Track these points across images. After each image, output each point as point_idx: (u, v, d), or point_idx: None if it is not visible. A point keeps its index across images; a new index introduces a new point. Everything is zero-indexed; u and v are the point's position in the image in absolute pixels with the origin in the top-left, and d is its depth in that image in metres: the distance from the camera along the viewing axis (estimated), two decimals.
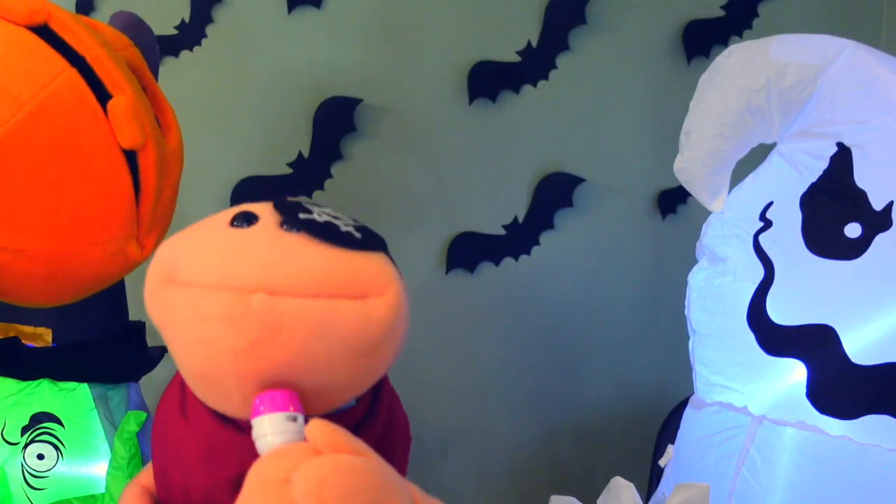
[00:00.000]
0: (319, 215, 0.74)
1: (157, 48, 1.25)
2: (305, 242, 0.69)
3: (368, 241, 0.73)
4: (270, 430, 0.66)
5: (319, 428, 0.63)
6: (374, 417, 0.79)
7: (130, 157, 0.97)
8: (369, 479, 0.62)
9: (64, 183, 0.92)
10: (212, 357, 0.68)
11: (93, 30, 1.00)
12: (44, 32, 0.93)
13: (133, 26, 1.15)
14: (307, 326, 0.67)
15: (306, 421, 0.65)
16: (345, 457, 0.62)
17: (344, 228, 0.73)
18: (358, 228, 0.74)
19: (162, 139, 1.03)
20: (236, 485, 0.68)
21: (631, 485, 1.16)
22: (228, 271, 0.68)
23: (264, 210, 0.73)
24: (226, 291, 0.67)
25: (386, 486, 0.63)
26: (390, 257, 0.75)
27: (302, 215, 0.72)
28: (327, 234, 0.71)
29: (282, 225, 0.71)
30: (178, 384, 0.82)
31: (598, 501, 1.19)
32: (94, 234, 0.98)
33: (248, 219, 0.71)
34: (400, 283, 0.72)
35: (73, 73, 0.92)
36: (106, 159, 0.95)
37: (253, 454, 0.67)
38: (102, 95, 0.94)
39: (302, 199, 0.78)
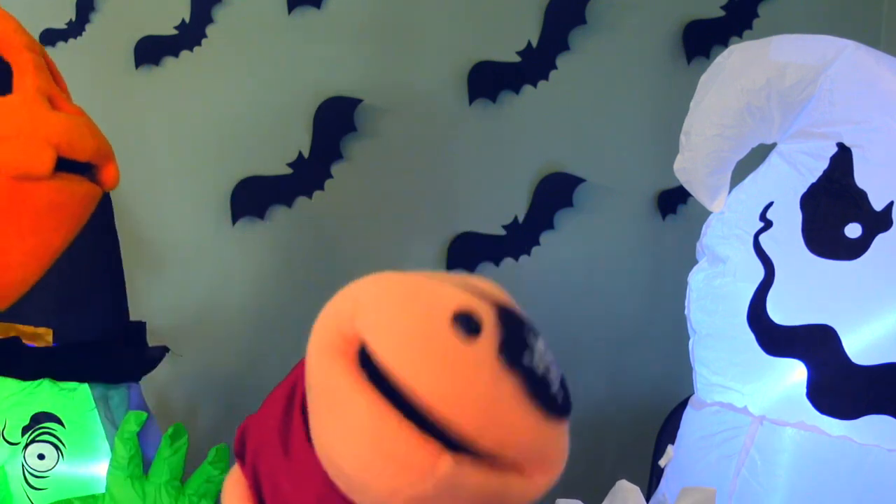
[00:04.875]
0: (539, 361, 0.65)
1: None
2: (519, 397, 0.62)
3: (565, 407, 0.66)
4: None
5: None
6: None
7: None
8: None
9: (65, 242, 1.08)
10: (370, 484, 0.63)
11: (79, 125, 1.06)
12: (61, 162, 1.01)
13: None
14: (475, 498, 0.63)
15: None
16: None
17: (553, 389, 0.65)
18: (562, 383, 0.67)
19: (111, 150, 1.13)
20: None
21: (636, 488, 1.16)
22: (445, 404, 0.61)
23: (486, 316, 0.64)
24: (416, 442, 0.61)
25: None
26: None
27: (525, 357, 0.64)
28: (540, 394, 0.63)
29: (502, 353, 0.62)
30: (279, 410, 0.74)
31: None
32: None
33: (471, 327, 0.62)
34: (565, 458, 0.68)
35: (93, 189, 1.05)
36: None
37: None
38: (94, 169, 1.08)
39: (516, 307, 0.70)
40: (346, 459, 0.64)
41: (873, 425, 1.19)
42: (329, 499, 0.68)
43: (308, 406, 0.68)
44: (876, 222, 1.19)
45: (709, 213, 1.37)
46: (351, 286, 0.67)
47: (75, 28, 1.85)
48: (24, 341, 1.25)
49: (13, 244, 0.97)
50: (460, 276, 0.70)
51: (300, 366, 0.72)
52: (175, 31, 1.89)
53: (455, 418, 0.61)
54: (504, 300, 0.68)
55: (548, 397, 0.64)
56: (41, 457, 1.23)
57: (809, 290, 1.23)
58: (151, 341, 1.43)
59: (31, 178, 0.95)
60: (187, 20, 1.89)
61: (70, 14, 1.85)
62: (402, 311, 0.63)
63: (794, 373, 1.23)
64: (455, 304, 0.63)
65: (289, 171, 1.94)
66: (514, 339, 0.64)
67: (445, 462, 0.61)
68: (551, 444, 0.66)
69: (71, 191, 1.01)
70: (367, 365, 0.63)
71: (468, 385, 0.61)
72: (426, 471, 0.61)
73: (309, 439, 0.69)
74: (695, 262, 1.41)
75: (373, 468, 0.62)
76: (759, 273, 1.26)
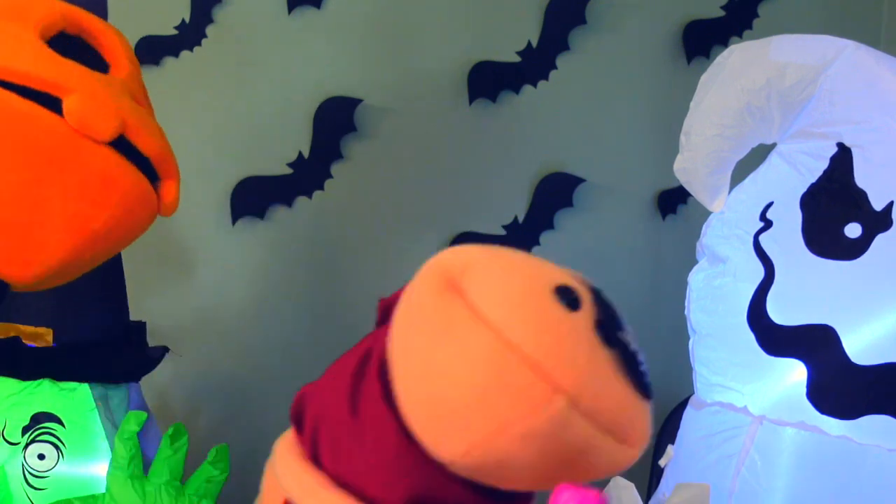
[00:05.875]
0: (631, 339, 0.69)
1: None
2: (613, 368, 0.65)
3: (650, 389, 0.70)
4: None
5: None
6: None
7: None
8: None
9: (121, 244, 1.08)
10: (480, 416, 0.64)
11: (149, 121, 1.07)
12: (119, 142, 0.99)
13: None
14: (576, 448, 0.65)
15: None
16: None
17: (641, 367, 0.69)
18: (646, 365, 0.71)
19: (177, 170, 1.12)
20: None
21: (631, 485, 1.16)
22: (549, 360, 0.63)
23: (583, 293, 0.67)
24: (536, 377, 0.62)
25: None
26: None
27: (618, 332, 0.68)
28: (631, 368, 0.67)
29: (597, 328, 0.66)
30: (348, 374, 0.75)
31: None
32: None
33: (572, 300, 0.65)
34: (649, 438, 0.70)
35: (144, 184, 1.03)
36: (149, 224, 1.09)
37: (437, 478, 0.67)
38: (154, 177, 1.06)
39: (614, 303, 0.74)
40: (459, 389, 0.64)
41: (873, 425, 1.19)
42: (405, 454, 0.69)
43: (401, 353, 0.68)
44: (876, 222, 1.19)
45: (709, 213, 1.37)
46: (456, 248, 0.70)
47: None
48: (24, 341, 1.25)
49: (56, 201, 0.96)
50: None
51: (375, 334, 0.74)
52: (175, 31, 1.89)
53: (557, 374, 0.62)
54: (596, 287, 0.71)
55: (639, 374, 0.67)
56: (41, 457, 1.23)
57: (809, 290, 1.23)
58: (151, 341, 1.43)
59: (91, 136, 0.95)
60: (187, 20, 1.89)
61: None
62: (508, 277, 0.66)
63: (794, 373, 1.23)
64: (557, 278, 0.67)
65: (289, 171, 1.94)
66: (609, 318, 0.67)
67: (560, 399, 0.62)
68: (640, 418, 0.68)
69: (125, 172, 1.00)
70: None
71: (569, 346, 0.64)
72: (541, 405, 0.62)
73: (385, 399, 0.69)
74: (695, 262, 1.41)
75: (488, 397, 0.63)
76: (759, 273, 1.26)
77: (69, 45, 1.03)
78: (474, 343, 0.64)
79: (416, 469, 0.69)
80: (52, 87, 0.95)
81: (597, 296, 0.68)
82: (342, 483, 0.72)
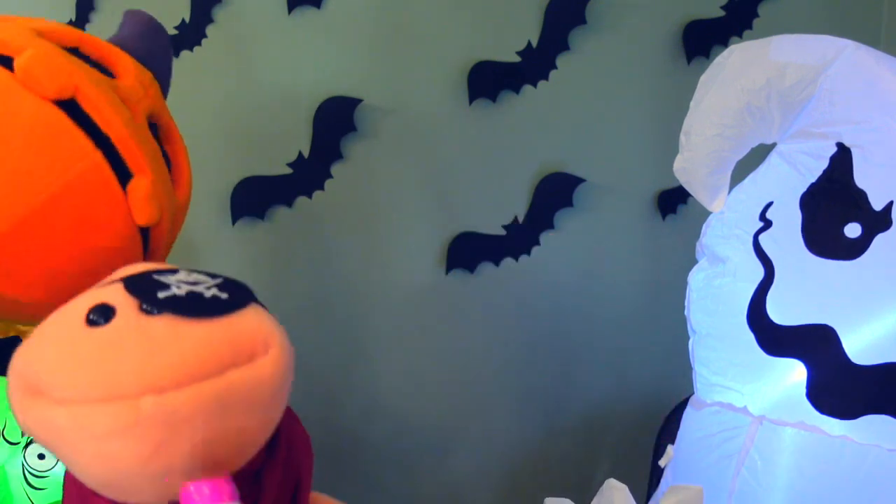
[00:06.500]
0: (178, 286, 0.70)
1: (171, 50, 1.25)
2: (176, 324, 0.67)
3: (237, 297, 0.71)
4: None
5: None
6: (275, 453, 0.79)
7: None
8: None
9: (80, 257, 0.96)
10: (116, 469, 0.66)
11: (118, 102, 0.99)
12: (70, 107, 0.93)
13: (148, 29, 1.15)
14: (206, 411, 0.66)
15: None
16: None
17: (208, 294, 0.70)
18: (221, 286, 0.72)
19: (175, 202, 1.05)
20: None
21: (624, 487, 1.16)
22: (108, 383, 0.64)
23: (118, 296, 0.69)
24: (111, 404, 0.64)
25: None
26: (259, 303, 0.73)
27: (161, 293, 0.69)
28: (195, 308, 0.68)
29: (142, 309, 0.68)
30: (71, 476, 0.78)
31: None
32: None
33: (104, 314, 0.68)
34: (280, 330, 0.72)
35: (97, 157, 0.94)
36: (121, 235, 0.98)
37: None
38: (123, 173, 0.97)
39: (151, 266, 0.76)
40: (94, 470, 0.68)
41: (873, 425, 1.19)
42: None
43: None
44: (876, 222, 1.20)
45: (709, 213, 1.37)
46: (30, 339, 0.74)
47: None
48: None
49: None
50: (103, 281, 0.76)
51: None
52: (175, 31, 1.89)
53: (141, 389, 0.64)
54: (131, 271, 0.75)
55: (206, 304, 0.69)
56: (41, 457, 1.23)
57: (809, 290, 1.23)
58: None
59: (35, 89, 0.90)
60: (187, 20, 1.89)
61: (70, 14, 1.85)
62: (48, 339, 0.71)
63: (794, 373, 1.23)
64: (84, 304, 0.70)
65: (289, 171, 1.94)
66: (150, 291, 0.69)
67: (146, 401, 0.64)
68: (248, 330, 0.70)
69: (74, 135, 0.92)
70: None
71: (122, 349, 0.66)
72: (134, 419, 0.64)
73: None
74: (695, 262, 1.41)
75: (114, 455, 0.66)
76: (758, 273, 1.26)
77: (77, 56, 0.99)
78: (77, 455, 0.68)
79: None
80: (8, 48, 0.91)
81: (128, 282, 0.71)
82: None
